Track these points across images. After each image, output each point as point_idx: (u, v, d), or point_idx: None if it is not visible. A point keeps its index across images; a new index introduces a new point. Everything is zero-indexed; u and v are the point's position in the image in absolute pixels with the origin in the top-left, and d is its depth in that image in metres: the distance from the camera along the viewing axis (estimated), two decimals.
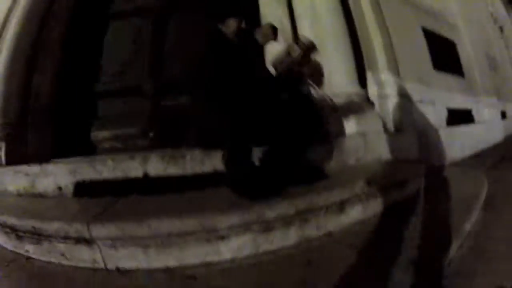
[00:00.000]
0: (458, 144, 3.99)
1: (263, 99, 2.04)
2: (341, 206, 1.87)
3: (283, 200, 1.76)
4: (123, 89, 3.21)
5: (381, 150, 2.80)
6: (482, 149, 4.71)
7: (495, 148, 5.08)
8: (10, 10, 3.03)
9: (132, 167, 2.31)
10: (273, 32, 2.44)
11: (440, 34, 4.59)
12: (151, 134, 3.03)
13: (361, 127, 2.77)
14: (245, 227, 1.65)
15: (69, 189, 2.36)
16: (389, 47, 3.37)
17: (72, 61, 3.23)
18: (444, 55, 4.50)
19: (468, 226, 1.88)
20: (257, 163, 1.96)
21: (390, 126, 3.04)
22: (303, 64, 2.26)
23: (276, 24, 2.66)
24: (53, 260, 1.69)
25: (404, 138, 3.03)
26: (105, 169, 2.32)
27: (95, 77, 3.29)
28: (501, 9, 10.48)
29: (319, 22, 3.10)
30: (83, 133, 3.13)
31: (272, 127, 1.95)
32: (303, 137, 2.05)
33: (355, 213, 1.93)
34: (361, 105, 2.87)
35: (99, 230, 1.60)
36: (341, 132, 2.69)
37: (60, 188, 2.38)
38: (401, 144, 2.96)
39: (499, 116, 6.27)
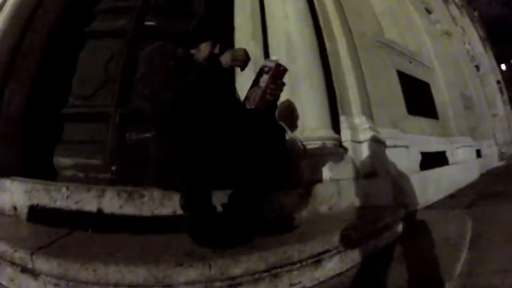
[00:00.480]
0: (432, 187, 4.02)
1: (229, 134, 1.89)
2: (317, 260, 1.77)
3: (251, 253, 1.59)
4: (89, 115, 3.11)
5: (355, 196, 2.81)
6: (458, 189, 4.72)
7: (471, 186, 5.15)
8: None
9: (87, 200, 2.17)
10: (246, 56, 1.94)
11: (415, 76, 4.66)
12: (113, 168, 2.89)
13: (334, 173, 2.73)
14: (206, 284, 1.49)
15: (24, 211, 2.26)
16: (364, 91, 3.42)
17: (47, 77, 3.14)
18: (419, 97, 4.62)
19: (459, 267, 1.84)
20: (219, 208, 1.83)
21: (364, 171, 3.03)
22: (274, 92, 1.94)
23: (251, 64, 2.62)
24: (4, 283, 1.62)
25: (378, 184, 3.03)
26: (59, 196, 2.20)
27: (65, 97, 3.18)
28: (478, 47, 10.88)
29: (294, 60, 3.05)
30: (47, 155, 3.00)
31: (238, 168, 1.83)
32: (272, 181, 1.94)
33: (332, 266, 1.84)
34: (334, 151, 2.87)
35: (42, 264, 1.50)
36: (313, 179, 2.64)
37: (15, 208, 2.30)
38: (375, 190, 2.96)
39: (474, 155, 6.36)
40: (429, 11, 6.72)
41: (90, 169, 2.93)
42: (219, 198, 1.84)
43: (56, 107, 3.10)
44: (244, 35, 3.42)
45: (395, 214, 2.61)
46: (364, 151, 3.11)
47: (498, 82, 12.28)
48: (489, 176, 6.27)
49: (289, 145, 2.36)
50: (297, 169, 2.54)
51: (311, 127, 2.88)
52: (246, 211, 1.81)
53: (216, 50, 2.01)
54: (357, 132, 3.15)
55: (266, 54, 3.24)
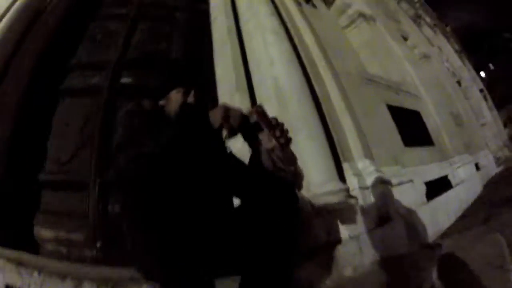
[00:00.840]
0: (442, 214, 3.98)
1: (223, 209, 1.53)
2: None
3: None
4: (67, 184, 2.92)
5: (375, 248, 2.60)
6: (466, 208, 4.69)
7: (478, 201, 5.11)
8: None
9: None
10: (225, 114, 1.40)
11: (404, 107, 4.70)
12: (98, 244, 2.67)
13: (351, 229, 2.56)
14: None
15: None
16: (361, 132, 3.36)
17: (22, 139, 2.98)
18: (412, 127, 4.62)
19: None
20: None
21: (378, 218, 2.89)
22: (286, 159, 1.47)
23: None
24: None
25: (393, 228, 2.91)
26: (32, 281, 2.02)
27: (41, 162, 3.00)
28: (456, 62, 11.13)
29: (286, 108, 2.91)
30: (28, 225, 2.79)
31: (243, 247, 1.38)
32: (287, 255, 1.38)
33: None
34: (346, 204, 2.69)
35: None
36: (330, 240, 2.43)
37: None
38: (391, 235, 2.84)
39: (474, 169, 6.39)
40: (405, 38, 6.89)
41: (72, 244, 2.70)
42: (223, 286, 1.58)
43: (32, 173, 2.93)
44: (228, 86, 3.26)
45: (428, 256, 2.46)
46: (374, 196, 2.98)
47: (481, 90, 12.57)
48: (492, 185, 6.25)
49: (302, 208, 2.19)
50: (310, 232, 2.36)
51: (316, 182, 2.67)
52: None
53: (191, 99, 1.59)
54: (363, 177, 3.04)
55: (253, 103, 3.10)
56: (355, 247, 2.45)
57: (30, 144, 2.99)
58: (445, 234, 3.64)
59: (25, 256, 2.33)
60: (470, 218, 4.07)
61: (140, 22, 3.78)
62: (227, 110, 1.39)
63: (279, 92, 3.00)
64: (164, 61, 3.52)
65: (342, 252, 2.36)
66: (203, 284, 1.34)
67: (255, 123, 1.41)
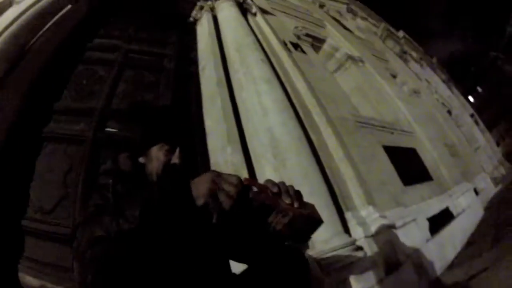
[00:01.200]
0: (448, 245, 4.02)
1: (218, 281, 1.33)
2: None
3: None
4: (51, 235, 2.79)
5: None
6: (470, 234, 4.75)
7: (482, 225, 5.18)
8: None
9: None
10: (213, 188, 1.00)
11: (399, 146, 4.81)
12: None
13: (362, 284, 2.49)
14: None
15: None
16: (361, 179, 3.37)
17: (5, 182, 2.84)
18: (409, 165, 4.69)
19: None
20: None
21: (387, 266, 2.84)
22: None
23: (230, 172, 2.19)
24: None
25: (403, 273, 2.91)
26: None
27: (24, 208, 2.87)
28: (445, 91, 11.37)
29: (284, 162, 2.79)
30: (10, 270, 2.64)
31: None
32: None
33: None
34: (355, 258, 2.63)
35: None
36: None
37: None
38: (401, 280, 2.84)
39: (474, 195, 6.44)
40: (394, 76, 7.09)
41: None
42: None
43: (15, 218, 2.80)
44: (219, 139, 3.07)
45: None
46: (380, 243, 2.95)
47: (472, 115, 12.79)
48: (493, 206, 6.34)
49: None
50: None
51: (321, 238, 2.59)
52: None
53: (175, 159, 1.34)
54: (367, 225, 3.02)
55: (248, 161, 2.98)
56: None
57: (13, 188, 2.87)
58: (454, 265, 3.66)
59: None
60: (477, 244, 4.09)
61: (126, 69, 3.74)
62: (216, 181, 0.99)
63: (275, 144, 2.88)
64: (150, 111, 3.46)
65: None
66: None
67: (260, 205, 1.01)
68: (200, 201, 0.97)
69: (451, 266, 3.66)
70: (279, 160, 2.80)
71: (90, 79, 3.58)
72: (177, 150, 1.35)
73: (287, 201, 1.02)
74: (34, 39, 3.47)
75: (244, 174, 2.85)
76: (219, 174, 1.01)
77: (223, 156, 2.93)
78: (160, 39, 4.23)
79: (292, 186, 1.09)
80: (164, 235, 1.01)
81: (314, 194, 2.72)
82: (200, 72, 3.93)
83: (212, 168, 2.83)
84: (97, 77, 3.61)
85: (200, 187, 0.98)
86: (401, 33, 11.79)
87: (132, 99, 3.50)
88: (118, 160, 1.47)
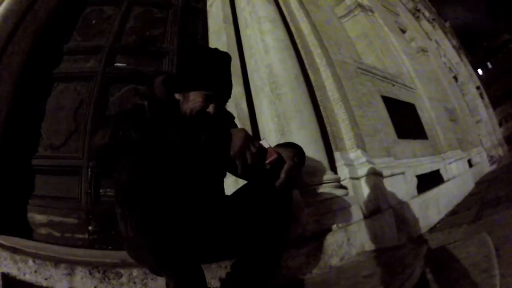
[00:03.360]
0: (433, 208, 4.04)
1: (215, 195, 1.59)
2: None
3: None
4: (60, 168, 2.89)
5: (364, 240, 2.61)
6: (457, 204, 4.76)
7: (469, 198, 5.18)
8: None
9: (57, 278, 1.95)
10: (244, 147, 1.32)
11: (399, 99, 4.73)
12: (90, 228, 2.69)
13: (340, 219, 2.54)
14: None
15: None
16: (354, 123, 3.38)
17: (14, 123, 2.95)
18: (406, 120, 4.66)
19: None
20: (216, 283, 1.59)
21: (368, 210, 2.89)
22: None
23: (232, 104, 2.52)
24: None
25: (383, 219, 2.94)
26: (27, 269, 2.01)
27: (34, 147, 2.98)
28: (454, 57, 11.22)
29: (280, 96, 2.91)
30: (19, 210, 2.77)
31: (230, 233, 1.45)
32: (276, 243, 1.46)
33: None
34: (337, 194, 2.71)
35: None
36: (319, 229, 2.42)
37: None
38: (381, 227, 2.86)
39: (467, 166, 6.47)
40: (403, 30, 6.91)
41: (66, 228, 2.71)
42: (213, 272, 1.67)
43: (25, 157, 2.92)
44: None
45: (417, 251, 2.29)
46: (364, 187, 3.01)
47: (478, 88, 12.67)
48: (484, 183, 6.32)
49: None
50: (300, 221, 2.35)
51: (307, 171, 2.68)
52: (253, 282, 1.44)
53: (211, 109, 1.44)
54: (355, 168, 3.06)
55: (248, 94, 3.14)
56: (343, 237, 2.45)
57: (24, 130, 2.98)
58: (436, 229, 3.70)
59: (20, 242, 2.32)
60: (461, 214, 4.12)
61: (134, 6, 3.72)
62: (247, 139, 1.30)
63: (273, 80, 2.98)
64: (158, 45, 3.49)
65: (330, 241, 2.36)
66: (191, 269, 1.34)
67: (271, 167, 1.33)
68: (232, 152, 1.27)
69: (432, 229, 3.69)
70: (275, 94, 2.90)
71: (99, 18, 3.61)
72: (214, 103, 1.44)
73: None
74: None
75: (243, 105, 3.07)
76: (250, 136, 1.32)
77: None
78: None
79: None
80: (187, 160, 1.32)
81: (304, 128, 2.81)
82: (208, 9, 3.91)
83: None
84: (106, 16, 3.63)
85: (236, 140, 1.28)
86: None
87: (140, 35, 3.54)
88: (153, 84, 1.55)
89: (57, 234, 2.71)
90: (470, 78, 12.08)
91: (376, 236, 2.73)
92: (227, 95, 1.53)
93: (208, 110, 1.42)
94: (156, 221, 1.20)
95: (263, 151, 1.31)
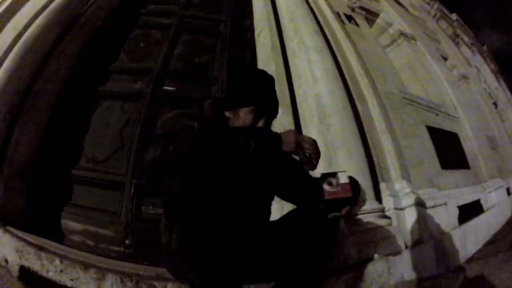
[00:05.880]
0: (472, 238, 3.98)
1: (262, 217, 1.60)
2: None
3: None
4: (102, 182, 2.98)
5: (404, 269, 2.62)
6: (495, 232, 4.67)
7: (507, 226, 5.10)
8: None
9: (84, 281, 1.96)
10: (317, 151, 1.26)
11: (443, 128, 4.72)
12: (127, 242, 2.73)
13: (382, 249, 2.59)
14: None
15: (15, 268, 2.08)
16: (400, 153, 3.40)
17: (57, 132, 3.07)
18: (449, 149, 4.62)
19: None
20: None
21: (410, 241, 2.91)
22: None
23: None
24: None
25: (424, 251, 2.94)
26: (51, 267, 2.02)
27: (76, 158, 3.07)
28: (493, 82, 10.95)
29: (328, 126, 2.98)
30: (55, 215, 2.84)
31: (272, 256, 1.43)
32: (317, 268, 1.45)
33: None
34: (380, 224, 2.76)
35: None
36: (360, 258, 2.48)
37: (6, 261, 2.13)
38: (422, 258, 2.86)
39: (505, 194, 6.29)
40: (445, 58, 6.86)
41: (101, 239, 2.75)
42: None
43: (65, 167, 3.00)
44: None
45: (453, 284, 2.42)
46: (408, 217, 3.02)
47: None
48: None
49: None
50: (343, 249, 2.41)
51: None
52: None
53: (261, 124, 1.46)
54: (399, 198, 3.08)
55: (297, 123, 3.16)
56: (383, 267, 2.48)
57: (65, 141, 3.08)
58: (473, 259, 3.65)
59: (48, 242, 2.36)
60: (498, 243, 4.05)
61: (183, 33, 3.86)
62: (298, 135, 1.23)
63: (321, 110, 3.06)
64: (207, 72, 3.59)
65: (371, 270, 2.41)
66: (231, 286, 1.35)
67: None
68: (288, 148, 1.20)
69: (470, 260, 3.64)
70: (324, 124, 2.98)
71: (147, 42, 3.73)
72: (264, 117, 1.48)
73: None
74: (85, 8, 3.68)
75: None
76: (299, 133, 1.25)
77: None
78: (215, 5, 4.29)
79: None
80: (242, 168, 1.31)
81: (351, 159, 2.89)
82: (256, 38, 4.01)
83: None
84: (154, 40, 3.75)
85: (289, 137, 1.20)
86: (454, 16, 11.25)
87: (189, 60, 3.65)
88: (203, 106, 1.55)
89: (91, 243, 2.75)
90: (509, 103, 11.78)
91: (416, 266, 2.74)
92: (275, 111, 1.59)
93: (258, 125, 1.46)
94: (201, 233, 1.23)
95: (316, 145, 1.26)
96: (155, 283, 1.90)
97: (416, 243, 2.93)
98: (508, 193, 6.68)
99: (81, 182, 3.00)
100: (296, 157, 1.27)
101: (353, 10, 5.27)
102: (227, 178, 1.33)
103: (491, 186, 5.43)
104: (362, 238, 2.58)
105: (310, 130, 3.04)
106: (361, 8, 5.46)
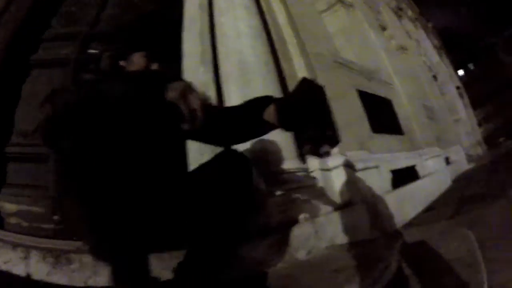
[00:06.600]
0: (408, 203, 3.97)
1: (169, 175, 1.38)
2: None
3: None
4: (31, 156, 2.91)
5: (334, 233, 2.51)
6: (433, 200, 4.72)
7: (446, 195, 5.13)
8: None
9: (15, 262, 2.01)
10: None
11: (376, 94, 4.70)
12: (55, 218, 2.61)
13: (308, 210, 2.47)
14: None
15: None
16: None
17: None
18: (382, 115, 4.62)
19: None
20: (168, 275, 1.36)
21: (338, 202, 2.82)
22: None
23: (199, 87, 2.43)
24: None
25: (355, 213, 2.81)
26: None
27: (7, 135, 3.02)
28: (433, 56, 11.28)
29: (249, 83, 2.87)
30: None
31: (186, 219, 1.30)
32: (234, 231, 1.35)
33: None
34: (304, 184, 2.63)
35: None
36: (285, 220, 2.33)
37: None
38: (352, 220, 2.74)
39: (444, 163, 6.48)
40: (383, 28, 6.89)
41: (33, 217, 2.67)
42: (166, 262, 1.55)
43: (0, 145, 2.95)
44: (193, 60, 3.16)
45: (391, 245, 2.33)
46: (335, 179, 2.92)
47: (458, 87, 12.78)
48: (462, 181, 6.29)
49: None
50: (263, 210, 2.26)
51: (274, 159, 2.63)
52: (206, 276, 1.30)
53: (154, 66, 1.46)
54: (325, 158, 2.94)
55: (218, 81, 3.08)
56: (310, 230, 2.36)
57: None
58: (411, 224, 3.64)
59: None
60: (437, 210, 4.07)
61: None
62: (187, 87, 1.11)
63: (243, 66, 2.94)
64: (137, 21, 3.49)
65: (297, 234, 2.27)
66: (131, 255, 1.22)
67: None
68: (171, 95, 1.07)
69: (408, 225, 3.63)
70: (245, 81, 2.87)
71: (78, 7, 3.69)
72: (157, 63, 1.46)
73: None
74: None
75: (212, 91, 2.98)
76: (193, 88, 1.13)
77: (195, 76, 2.98)
78: None
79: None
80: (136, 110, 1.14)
81: None
82: None
83: None
84: (84, 4, 3.71)
85: (175, 85, 1.09)
86: None
87: (117, 21, 3.57)
88: (101, 60, 1.56)
89: (25, 224, 2.65)
90: (450, 78, 12.21)
91: (347, 230, 2.63)
92: (168, 55, 1.62)
93: (152, 67, 1.45)
94: (96, 194, 1.10)
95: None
96: (73, 256, 1.91)
97: (346, 205, 2.82)
98: (448, 163, 6.88)
99: (14, 159, 2.95)
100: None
101: None
102: (120, 130, 1.18)
103: (428, 154, 5.53)
104: (285, 199, 2.43)
105: (230, 86, 2.95)
106: None
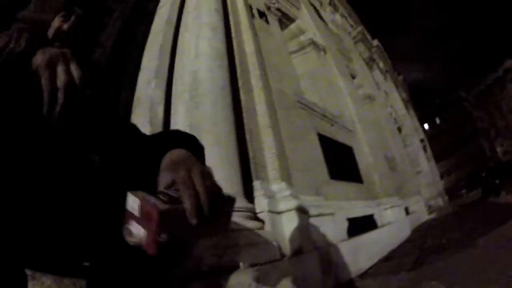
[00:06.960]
0: (364, 253, 3.84)
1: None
2: None
3: None
4: None
5: (278, 281, 2.25)
6: (391, 249, 4.62)
7: (406, 245, 5.05)
8: None
9: None
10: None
11: (336, 139, 4.67)
12: None
13: (250, 256, 2.21)
14: None
15: None
16: (283, 153, 3.17)
17: None
18: (341, 161, 4.57)
19: None
20: None
21: (287, 249, 2.59)
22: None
23: (147, 108, 2.37)
24: None
25: (305, 261, 2.62)
26: None
27: None
28: (400, 109, 11.56)
29: (198, 105, 2.72)
30: None
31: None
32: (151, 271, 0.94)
33: None
34: (248, 226, 2.41)
35: None
36: (220, 265, 2.06)
37: None
38: (302, 269, 2.54)
39: (403, 213, 6.48)
40: (353, 76, 7.01)
41: None
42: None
43: None
44: (148, 75, 3.08)
45: None
46: (286, 223, 2.73)
47: (422, 140, 13.13)
48: (422, 231, 6.27)
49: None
50: (193, 251, 1.92)
51: None
52: None
53: (66, 26, 1.17)
54: (276, 201, 2.79)
55: (168, 100, 2.94)
56: (250, 278, 2.06)
57: None
58: (368, 274, 3.51)
59: None
60: (396, 261, 3.96)
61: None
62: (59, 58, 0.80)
63: (195, 87, 2.81)
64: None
65: (233, 282, 2.00)
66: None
67: None
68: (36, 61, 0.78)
69: (364, 275, 3.50)
70: (194, 102, 2.75)
71: None
72: (73, 17, 1.16)
73: None
74: None
75: (160, 110, 2.86)
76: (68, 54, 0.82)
77: (146, 91, 2.91)
78: None
79: None
80: None
81: (219, 145, 2.59)
82: (158, 11, 3.87)
83: (134, 103, 2.92)
84: None
85: (46, 51, 0.80)
86: (375, 42, 11.88)
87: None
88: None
89: None
90: (415, 130, 12.56)
91: (296, 279, 2.38)
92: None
93: (63, 28, 1.16)
94: None
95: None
96: None
97: (296, 253, 2.62)
98: (407, 213, 6.89)
99: None
100: None
101: (269, 8, 5.19)
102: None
103: (387, 203, 5.48)
104: (223, 241, 2.17)
105: (178, 106, 2.82)
106: (278, 10, 5.42)
